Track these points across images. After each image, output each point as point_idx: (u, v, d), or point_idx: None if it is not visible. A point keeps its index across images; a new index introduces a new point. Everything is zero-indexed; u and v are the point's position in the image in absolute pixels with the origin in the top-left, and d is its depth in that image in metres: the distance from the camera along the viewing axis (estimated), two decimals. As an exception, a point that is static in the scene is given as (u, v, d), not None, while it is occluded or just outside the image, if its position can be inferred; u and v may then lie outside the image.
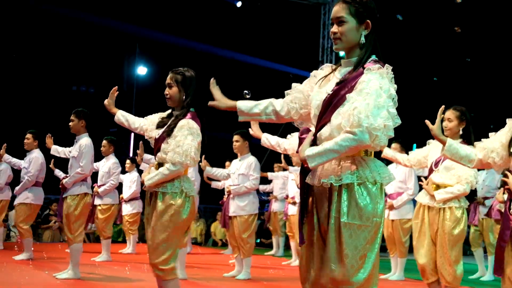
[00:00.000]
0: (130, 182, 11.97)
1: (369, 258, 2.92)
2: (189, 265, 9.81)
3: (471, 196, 9.94)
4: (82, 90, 21.88)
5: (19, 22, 19.06)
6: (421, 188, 6.00)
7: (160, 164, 4.76)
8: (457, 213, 5.61)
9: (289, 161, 10.14)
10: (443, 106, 4.44)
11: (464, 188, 5.54)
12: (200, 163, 8.96)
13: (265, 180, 12.91)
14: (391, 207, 9.05)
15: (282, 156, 9.78)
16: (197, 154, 4.68)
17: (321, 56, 18.38)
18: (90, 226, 12.42)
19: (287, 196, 12.01)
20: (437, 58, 19.98)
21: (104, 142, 10.57)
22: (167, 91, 4.82)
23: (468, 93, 19.74)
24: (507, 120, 4.09)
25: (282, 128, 17.92)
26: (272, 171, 13.56)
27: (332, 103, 3.02)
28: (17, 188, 10.00)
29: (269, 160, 14.91)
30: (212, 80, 3.44)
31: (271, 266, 10.72)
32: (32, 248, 9.93)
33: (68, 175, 7.81)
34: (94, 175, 9.43)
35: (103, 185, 10.60)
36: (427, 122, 4.29)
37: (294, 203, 10.90)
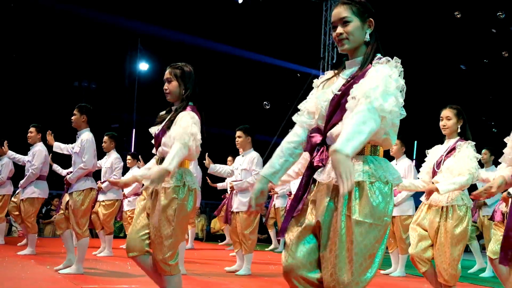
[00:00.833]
0: None
1: (376, 257, 2.94)
2: (190, 261, 9.83)
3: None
4: (84, 86, 21.90)
5: (21, 18, 19.08)
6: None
7: (161, 160, 4.77)
8: (460, 211, 5.61)
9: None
10: None
11: (467, 179, 5.52)
12: (204, 161, 8.99)
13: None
14: None
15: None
16: (198, 140, 4.68)
17: (322, 52, 18.38)
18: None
19: (290, 193, 12.06)
20: (437, 57, 19.97)
21: (105, 138, 10.59)
22: (166, 86, 4.82)
23: (468, 91, 19.74)
24: None
25: (281, 129, 17.98)
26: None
27: (341, 102, 3.02)
28: (21, 182, 10.03)
29: (270, 156, 14.91)
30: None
31: (271, 262, 10.74)
32: (34, 250, 9.94)
33: (71, 171, 7.84)
34: (97, 172, 9.43)
35: (106, 181, 10.63)
36: None
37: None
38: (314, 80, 3.34)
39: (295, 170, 3.88)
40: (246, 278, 8.28)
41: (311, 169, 3.11)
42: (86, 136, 7.72)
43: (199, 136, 4.66)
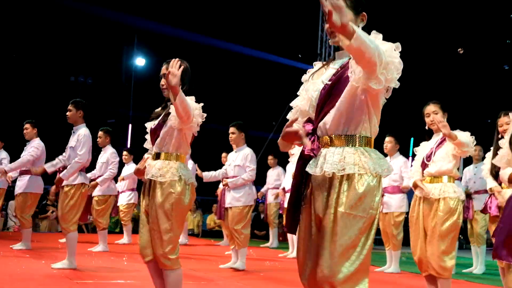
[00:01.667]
0: (126, 173, 12.02)
1: (359, 249, 2.92)
2: (186, 257, 9.84)
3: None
4: (80, 81, 21.86)
5: (17, 13, 19.04)
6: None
7: (158, 155, 4.79)
8: (451, 204, 5.62)
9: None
10: None
11: (467, 138, 5.52)
12: (198, 171, 9.05)
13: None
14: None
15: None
16: (200, 113, 4.72)
17: (319, 48, 18.36)
18: (89, 217, 12.44)
19: (283, 189, 12.07)
20: (431, 53, 19.99)
21: (100, 133, 10.59)
22: (163, 81, 4.82)
23: (463, 88, 19.78)
24: (502, 114, 4.10)
25: (277, 125, 17.99)
26: (267, 164, 13.68)
27: (332, 93, 3.03)
28: (12, 165, 9.90)
29: (266, 153, 14.94)
30: None
31: (267, 258, 10.75)
32: (30, 243, 9.94)
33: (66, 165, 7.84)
34: (91, 167, 9.43)
35: (101, 175, 10.66)
36: None
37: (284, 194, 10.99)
38: (303, 76, 3.34)
39: None
40: (241, 273, 8.30)
41: (303, 159, 3.12)
42: (83, 131, 7.72)
43: (199, 120, 4.71)
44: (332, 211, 2.93)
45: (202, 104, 4.78)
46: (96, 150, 10.02)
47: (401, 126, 17.62)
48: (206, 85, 18.63)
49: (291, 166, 10.18)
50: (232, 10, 20.04)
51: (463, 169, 10.24)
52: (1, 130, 11.28)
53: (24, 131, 10.04)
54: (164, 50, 20.09)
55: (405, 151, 8.62)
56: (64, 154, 8.13)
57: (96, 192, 10.64)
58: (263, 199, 14.61)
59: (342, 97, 2.99)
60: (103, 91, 22.01)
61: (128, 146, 20.07)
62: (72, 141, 7.79)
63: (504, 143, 4.06)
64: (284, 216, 12.08)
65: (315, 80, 3.20)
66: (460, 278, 8.85)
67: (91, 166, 8.70)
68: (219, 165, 9.73)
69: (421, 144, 6.06)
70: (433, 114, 5.78)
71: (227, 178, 8.76)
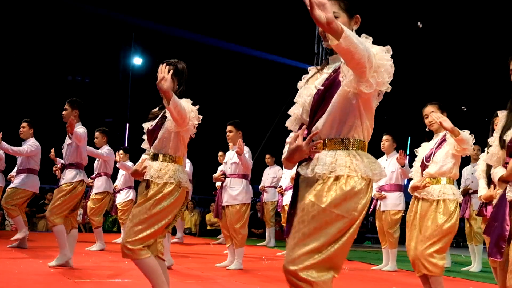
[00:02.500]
0: (120, 176, 12.04)
1: (336, 245, 2.91)
2: (183, 255, 9.86)
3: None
4: (77, 80, 21.85)
5: (14, 13, 19.02)
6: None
7: (155, 155, 4.80)
8: (450, 206, 5.62)
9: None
10: None
11: (468, 135, 5.53)
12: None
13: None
14: (382, 197, 9.11)
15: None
16: (196, 115, 4.74)
17: (316, 48, 18.35)
18: (86, 218, 12.45)
19: (281, 187, 12.10)
20: (428, 52, 20.02)
21: (97, 133, 10.61)
22: None
23: (460, 87, 19.80)
24: (498, 112, 4.09)
25: (274, 124, 17.99)
26: (265, 162, 13.69)
27: (325, 97, 3.03)
28: (10, 147, 9.87)
29: (263, 152, 14.96)
30: None
31: (264, 257, 10.75)
32: (27, 230, 9.94)
33: (63, 164, 7.85)
34: (89, 167, 9.42)
35: (99, 175, 10.67)
36: None
37: (282, 194, 10.96)
38: (298, 83, 3.34)
39: None
40: (238, 272, 8.30)
41: (299, 163, 3.13)
42: (79, 130, 7.71)
43: (195, 122, 4.73)
44: (309, 203, 2.92)
45: (198, 106, 4.80)
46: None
47: (399, 125, 17.66)
48: (203, 84, 18.63)
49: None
50: (229, 9, 20.02)
51: (462, 169, 10.27)
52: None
53: (21, 130, 10.03)
54: (161, 49, 20.09)
55: (404, 151, 8.62)
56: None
57: (94, 190, 10.65)
58: (259, 199, 14.62)
59: (334, 101, 2.99)
60: (100, 90, 21.99)
61: (126, 145, 20.06)
62: (68, 139, 7.79)
63: (493, 140, 4.06)
64: (282, 214, 12.12)
65: (309, 84, 3.20)
66: (458, 276, 8.86)
67: (89, 166, 8.69)
68: (215, 163, 9.73)
69: (421, 145, 6.07)
70: (430, 115, 5.80)
71: (225, 176, 8.77)
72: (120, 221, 12.22)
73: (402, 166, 8.72)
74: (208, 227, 17.21)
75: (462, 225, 10.51)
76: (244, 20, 20.28)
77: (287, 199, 10.78)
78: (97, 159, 10.70)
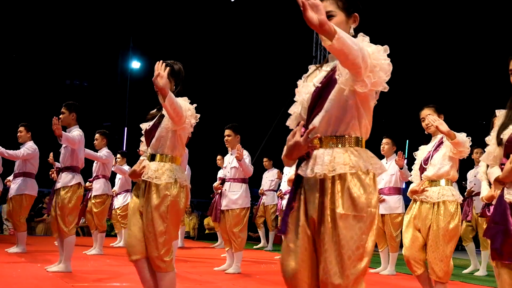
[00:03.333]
0: (117, 180, 12.03)
1: (365, 249, 2.90)
2: (181, 259, 9.84)
3: (463, 192, 10.03)
4: (75, 84, 21.86)
5: (14, 16, 19.02)
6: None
7: (152, 155, 4.79)
8: (450, 208, 5.63)
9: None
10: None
11: (464, 138, 5.53)
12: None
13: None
14: (381, 201, 9.11)
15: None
16: (193, 113, 4.75)
17: (314, 51, 18.37)
18: (82, 220, 12.43)
19: (281, 191, 12.10)
20: (425, 55, 20.03)
21: (97, 135, 10.58)
22: None
23: (458, 90, 19.82)
24: (497, 112, 4.07)
25: (268, 136, 17.99)
26: (263, 166, 13.69)
27: (322, 95, 3.03)
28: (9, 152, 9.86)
29: (261, 155, 14.96)
30: None
31: (263, 261, 10.75)
32: (25, 249, 9.92)
33: (59, 167, 7.85)
34: (86, 169, 9.41)
35: (97, 177, 10.65)
36: None
37: (282, 198, 10.94)
38: (298, 82, 3.33)
39: None
40: (236, 276, 8.28)
41: (298, 162, 3.11)
42: (76, 132, 7.69)
43: (193, 121, 4.73)
44: (329, 212, 2.90)
45: (195, 105, 4.79)
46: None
47: (397, 128, 17.66)
48: (201, 87, 18.63)
49: (288, 169, 10.18)
50: (226, 12, 20.04)
51: (466, 173, 10.30)
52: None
53: (18, 134, 10.01)
54: (159, 53, 20.09)
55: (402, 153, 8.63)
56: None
57: (93, 192, 10.63)
58: (256, 202, 14.60)
59: (331, 99, 2.98)
60: (98, 94, 22.00)
61: (124, 148, 20.06)
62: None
63: (490, 139, 4.05)
64: (279, 218, 12.10)
65: (308, 82, 3.19)
66: (463, 281, 8.86)
67: (86, 168, 8.69)
68: (214, 167, 9.72)
69: (419, 148, 6.07)
70: (427, 117, 5.80)
71: (225, 180, 8.76)
72: (121, 225, 12.17)
73: (401, 168, 8.72)
74: (207, 231, 17.19)
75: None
76: (241, 23, 20.29)
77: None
78: (95, 162, 10.68)
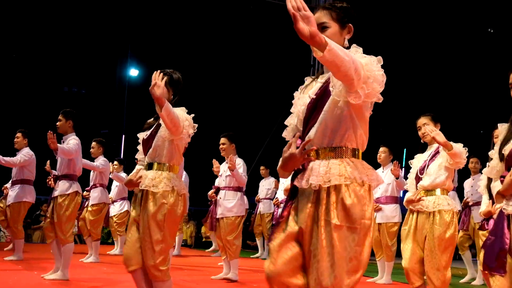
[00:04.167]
0: (114, 187, 12.02)
1: (360, 261, 2.91)
2: (178, 267, 9.82)
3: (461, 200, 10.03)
4: (73, 91, 21.86)
5: (11, 23, 19.03)
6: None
7: (150, 164, 4.79)
8: (446, 217, 5.62)
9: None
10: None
11: (461, 149, 5.53)
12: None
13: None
14: (378, 209, 9.10)
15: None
16: (191, 123, 4.74)
17: (312, 59, 18.38)
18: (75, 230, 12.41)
19: (277, 200, 12.09)
20: (423, 64, 20.07)
21: (93, 143, 10.58)
22: None
23: (455, 99, 19.84)
24: (499, 125, 4.08)
25: (266, 144, 17.99)
26: (259, 174, 13.68)
27: (317, 106, 3.03)
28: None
29: (258, 163, 14.95)
30: None
31: (259, 269, 10.72)
32: (22, 256, 9.89)
33: (55, 174, 7.83)
34: (84, 177, 9.40)
35: (94, 186, 10.64)
36: None
37: (278, 206, 10.92)
38: (295, 93, 3.34)
39: None
40: (233, 285, 8.27)
41: (294, 173, 3.11)
42: (73, 140, 7.68)
43: (190, 131, 4.74)
44: (323, 223, 2.91)
45: (193, 115, 4.79)
46: (89, 160, 10.03)
47: (394, 137, 17.66)
48: (199, 95, 18.64)
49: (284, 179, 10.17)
50: (225, 21, 20.07)
51: (463, 182, 10.29)
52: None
53: (15, 140, 9.99)
54: (157, 60, 20.10)
55: (398, 162, 8.62)
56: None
57: (91, 201, 10.62)
58: (253, 210, 14.60)
59: (325, 110, 3.00)
60: (96, 101, 21.99)
61: (122, 156, 20.04)
62: (61, 150, 7.76)
63: (493, 153, 4.06)
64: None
65: (304, 94, 3.20)
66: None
67: (83, 177, 8.68)
68: (211, 176, 9.69)
69: (415, 156, 6.06)
70: (423, 127, 5.81)
71: (220, 188, 8.75)
72: (117, 233, 12.16)
73: (397, 178, 8.72)
74: (204, 239, 17.18)
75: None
76: (239, 32, 20.31)
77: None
78: (92, 171, 10.67)
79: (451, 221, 5.65)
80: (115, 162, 11.73)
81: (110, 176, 10.99)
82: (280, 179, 11.20)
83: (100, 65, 21.56)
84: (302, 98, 3.18)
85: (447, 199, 5.71)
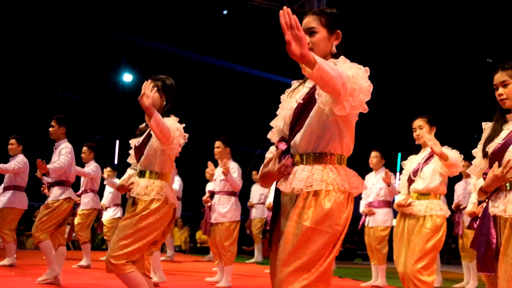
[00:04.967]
0: (108, 194, 11.99)
1: (320, 264, 2.91)
2: (172, 272, 9.80)
3: (450, 206, 10.00)
4: (67, 97, 21.83)
5: (3, 29, 19.00)
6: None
7: (142, 172, 4.79)
8: (437, 221, 5.62)
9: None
10: None
11: (457, 158, 5.53)
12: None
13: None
14: (371, 213, 9.08)
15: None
16: (182, 133, 4.72)
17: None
18: (74, 235, 12.35)
19: (269, 204, 12.07)
20: (418, 69, 20.10)
21: (84, 148, 10.56)
22: None
23: (450, 103, 19.88)
24: (483, 124, 4.12)
25: (265, 141, 17.98)
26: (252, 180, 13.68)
27: (304, 110, 3.05)
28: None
29: (253, 169, 14.93)
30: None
31: (253, 274, 10.71)
32: (15, 255, 9.87)
33: (50, 182, 7.80)
34: (76, 185, 9.38)
35: (85, 191, 10.62)
36: None
37: (271, 210, 10.92)
38: (281, 96, 3.35)
39: None
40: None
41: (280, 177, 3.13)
42: (65, 146, 7.67)
43: (181, 141, 4.72)
44: (293, 223, 2.94)
45: (184, 124, 4.79)
46: (80, 166, 9.98)
47: (389, 141, 17.67)
48: (193, 100, 18.63)
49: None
50: (218, 26, 20.08)
51: (454, 185, 10.26)
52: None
53: (9, 147, 9.95)
54: (151, 66, 20.09)
55: (392, 166, 8.63)
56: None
57: (82, 206, 10.60)
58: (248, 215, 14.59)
59: (311, 116, 3.02)
60: (90, 107, 21.96)
61: (116, 162, 20.01)
62: (54, 157, 7.75)
63: (477, 152, 4.10)
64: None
65: (291, 98, 3.21)
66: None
67: (76, 182, 8.66)
68: (205, 181, 9.68)
69: (408, 158, 6.06)
70: (419, 129, 5.81)
71: (214, 193, 8.72)
72: (105, 237, 12.15)
73: (388, 186, 8.73)
74: (198, 245, 17.15)
75: (451, 242, 10.50)
76: (233, 37, 20.33)
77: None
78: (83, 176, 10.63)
79: (441, 225, 5.65)
80: (108, 168, 11.70)
81: (105, 183, 10.97)
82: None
83: (94, 71, 21.54)
84: (289, 102, 3.21)
85: (440, 204, 5.71)
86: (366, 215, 9.32)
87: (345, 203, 3.00)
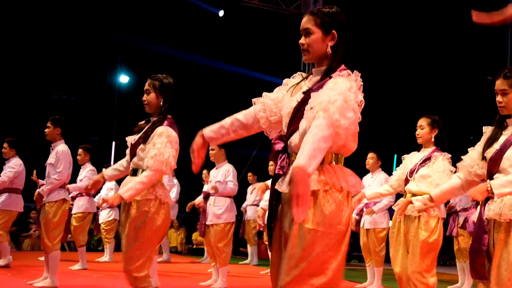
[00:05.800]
0: (107, 190, 11.96)
1: (330, 265, 2.91)
2: (167, 274, 9.79)
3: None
4: (63, 98, 21.79)
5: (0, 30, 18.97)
6: (399, 195, 6.04)
7: (134, 170, 4.77)
8: (431, 222, 5.63)
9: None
10: None
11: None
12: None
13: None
14: (371, 213, 9.06)
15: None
16: (174, 162, 4.70)
17: (302, 66, 18.41)
18: (69, 236, 12.34)
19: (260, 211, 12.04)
20: (415, 69, 20.10)
21: (80, 150, 10.54)
22: (145, 97, 4.81)
23: (447, 105, 19.88)
24: (484, 128, 4.13)
25: (261, 142, 17.95)
26: (247, 181, 13.64)
27: (300, 110, 3.04)
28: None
29: (249, 170, 14.91)
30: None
31: (249, 275, 10.70)
32: (11, 256, 9.84)
33: (44, 183, 7.78)
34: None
35: (80, 194, 10.59)
36: None
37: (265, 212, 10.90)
38: (284, 80, 3.36)
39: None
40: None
41: (275, 177, 3.13)
42: (61, 148, 7.67)
43: (174, 154, 4.70)
44: (296, 226, 2.92)
45: (177, 148, 4.79)
46: (76, 168, 9.95)
47: (385, 142, 17.67)
48: (190, 101, 18.61)
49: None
50: (214, 27, 20.07)
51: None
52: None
53: (3, 150, 9.94)
54: (148, 67, 20.05)
55: (388, 168, 8.62)
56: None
57: (75, 209, 10.58)
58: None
59: (306, 117, 3.01)
60: (86, 108, 21.92)
61: (112, 163, 19.97)
62: (51, 158, 7.74)
63: (472, 150, 4.13)
64: (265, 232, 12.07)
65: (293, 96, 3.21)
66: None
67: (71, 183, 8.64)
68: (201, 182, 9.67)
69: (410, 154, 6.04)
70: (420, 129, 5.83)
71: (209, 194, 8.71)
72: (106, 240, 12.13)
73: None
74: (194, 246, 17.13)
75: (447, 243, 10.48)
76: (229, 38, 20.32)
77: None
78: (79, 178, 10.59)
79: (435, 226, 5.66)
80: (104, 170, 11.67)
81: (68, 186, 10.81)
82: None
83: (90, 72, 21.49)
84: (290, 101, 3.20)
85: (434, 205, 5.72)
86: (361, 217, 9.30)
87: (345, 201, 2.98)
